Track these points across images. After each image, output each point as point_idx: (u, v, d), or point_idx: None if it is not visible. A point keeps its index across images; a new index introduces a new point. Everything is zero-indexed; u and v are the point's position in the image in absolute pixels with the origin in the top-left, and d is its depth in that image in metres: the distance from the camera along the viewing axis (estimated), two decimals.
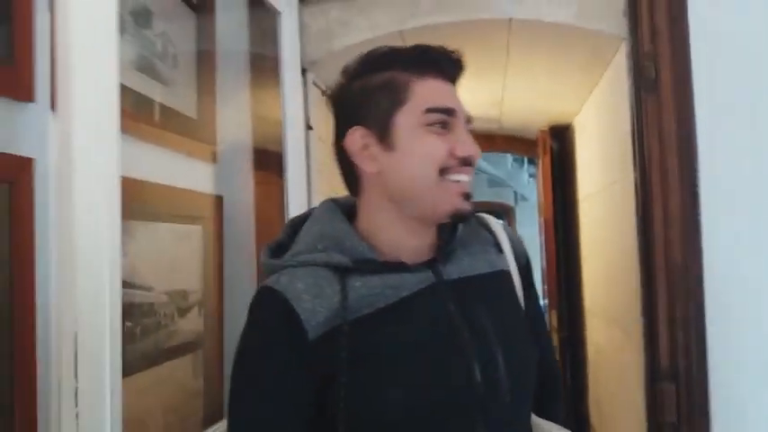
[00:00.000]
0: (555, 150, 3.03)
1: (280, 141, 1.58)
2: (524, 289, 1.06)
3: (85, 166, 0.89)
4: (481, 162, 5.54)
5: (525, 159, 8.58)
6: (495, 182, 9.41)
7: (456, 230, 1.00)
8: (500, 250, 1.05)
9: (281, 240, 1.00)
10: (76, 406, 0.87)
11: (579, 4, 1.57)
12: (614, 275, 2.05)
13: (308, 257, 0.93)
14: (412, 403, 0.85)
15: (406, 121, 0.92)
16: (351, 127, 0.94)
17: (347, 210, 0.99)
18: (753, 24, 1.46)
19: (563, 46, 1.77)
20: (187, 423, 1.38)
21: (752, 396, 1.45)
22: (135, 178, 1.20)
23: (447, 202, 0.92)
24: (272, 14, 1.55)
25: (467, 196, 0.92)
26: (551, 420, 1.09)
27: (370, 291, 0.90)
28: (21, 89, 0.93)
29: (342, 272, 0.90)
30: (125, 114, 1.05)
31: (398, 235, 0.95)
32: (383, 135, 0.93)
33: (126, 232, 1.15)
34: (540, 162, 3.04)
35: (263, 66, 1.61)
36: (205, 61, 1.54)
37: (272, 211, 1.60)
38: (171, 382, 1.33)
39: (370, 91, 0.94)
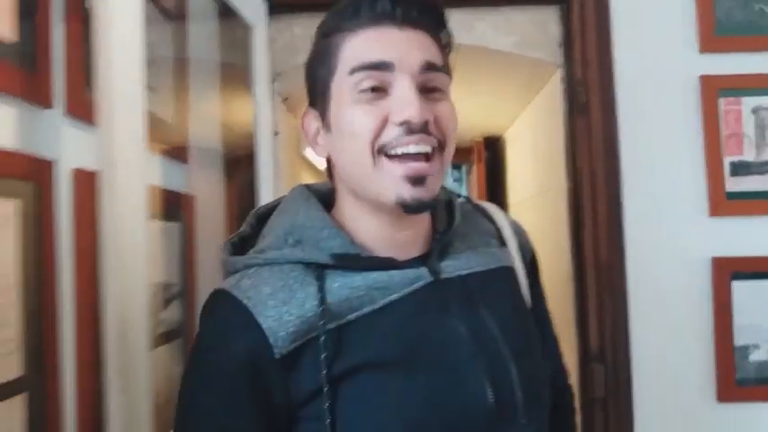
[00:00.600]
0: (487, 160, 3.26)
1: (248, 145, 1.69)
2: (530, 288, 0.89)
3: (124, 175, 0.98)
4: None
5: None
6: None
7: (453, 219, 0.84)
8: (502, 243, 0.88)
9: (245, 233, 0.85)
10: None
11: (521, 34, 1.77)
12: (547, 272, 2.26)
13: (277, 254, 0.77)
14: (408, 430, 0.70)
15: (337, 91, 0.75)
16: (307, 108, 0.83)
17: (323, 197, 0.84)
18: (666, 59, 1.71)
19: (504, 70, 1.97)
20: (170, 405, 1.46)
21: (668, 373, 1.67)
22: None
23: (388, 188, 0.73)
24: (244, 28, 1.66)
25: (416, 180, 0.72)
26: None
27: (352, 293, 0.74)
28: (41, 96, 1.01)
29: (318, 271, 0.75)
30: None
31: (375, 227, 0.78)
32: (324, 114, 0.78)
33: None
34: (475, 169, 3.26)
35: (233, 74, 1.71)
36: (179, 68, 1.63)
37: (243, 211, 1.70)
38: (160, 367, 1.41)
39: (312, 63, 0.80)
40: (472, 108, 2.67)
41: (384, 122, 0.72)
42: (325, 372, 0.70)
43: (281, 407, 0.72)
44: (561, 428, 0.92)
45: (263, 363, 0.71)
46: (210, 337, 0.75)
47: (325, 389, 0.70)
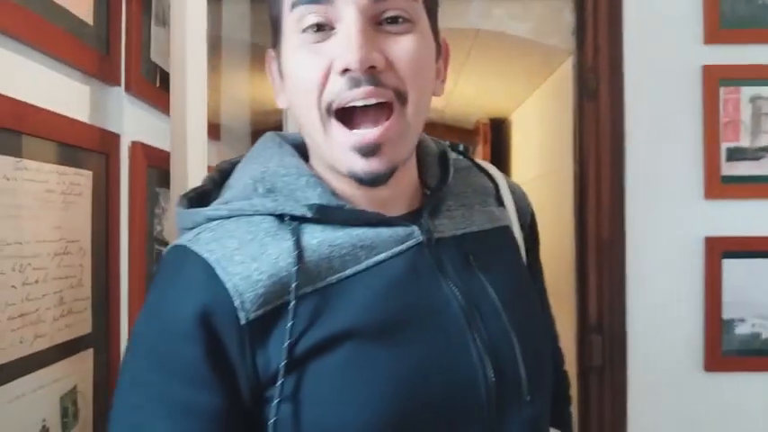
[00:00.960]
0: (492, 140, 3.36)
1: (277, 122, 1.77)
2: (528, 254, 0.80)
3: (194, 154, 1.07)
4: None
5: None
6: None
7: (447, 173, 0.73)
8: (500, 203, 0.78)
9: (205, 188, 0.72)
10: None
11: (537, 21, 1.86)
12: (552, 248, 2.37)
13: (245, 204, 0.64)
14: (395, 409, 0.59)
15: (285, 29, 0.64)
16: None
17: (298, 147, 0.70)
18: (673, 49, 1.80)
19: (518, 55, 2.06)
20: None
21: (660, 344, 1.79)
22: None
23: (339, 159, 0.63)
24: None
25: (368, 150, 0.61)
26: (558, 425, 0.84)
27: (333, 251, 0.62)
28: (111, 75, 1.09)
29: (293, 225, 0.63)
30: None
31: (348, 184, 0.65)
32: (278, 56, 0.67)
33: (165, 198, 1.32)
34: (480, 149, 3.37)
35: (263, 54, 1.79)
36: (213, 46, 1.70)
37: None
38: None
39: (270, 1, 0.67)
40: (480, 91, 2.76)
41: (328, 72, 0.60)
42: (288, 342, 0.58)
43: (247, 382, 0.59)
44: (555, 419, 0.80)
45: (223, 326, 0.58)
46: (158, 297, 0.62)
47: (283, 362, 0.57)
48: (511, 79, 2.47)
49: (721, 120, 1.79)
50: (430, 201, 0.70)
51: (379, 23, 0.61)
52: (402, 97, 0.62)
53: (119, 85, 1.11)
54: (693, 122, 1.79)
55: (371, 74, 0.59)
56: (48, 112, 0.89)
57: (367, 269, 0.63)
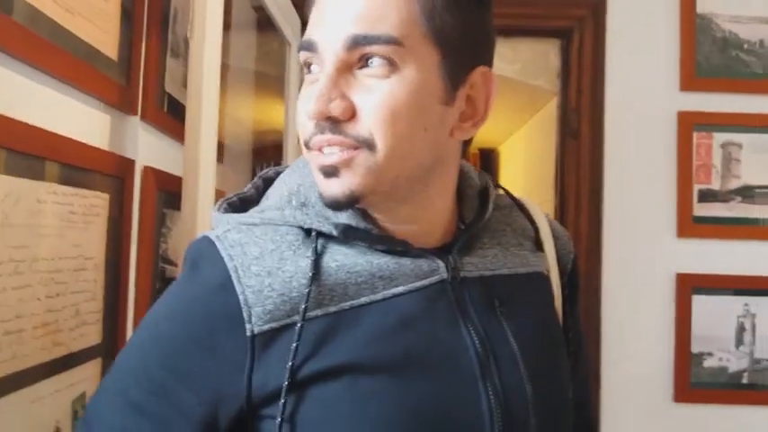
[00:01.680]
0: (481, 168, 3.46)
1: (277, 146, 1.87)
2: (565, 303, 0.76)
3: (204, 180, 1.16)
4: None
5: None
6: None
7: (486, 209, 0.71)
8: (540, 248, 0.75)
9: (248, 195, 0.73)
10: None
11: (524, 63, 1.98)
12: None
13: (276, 214, 0.65)
14: None
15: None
16: None
17: None
18: (651, 95, 1.92)
19: (506, 93, 2.17)
20: None
21: (632, 374, 1.89)
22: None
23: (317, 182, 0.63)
24: (281, 43, 1.84)
25: (326, 171, 0.61)
26: None
27: (350, 278, 0.62)
28: (130, 105, 1.18)
29: (318, 242, 0.63)
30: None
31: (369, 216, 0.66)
32: None
33: (170, 219, 1.41)
34: None
35: (266, 82, 1.89)
36: (221, 73, 1.80)
37: None
38: None
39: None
40: None
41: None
42: (291, 363, 0.58)
43: (236, 397, 0.60)
44: None
45: (227, 337, 0.60)
46: (181, 289, 0.65)
47: (285, 383, 0.58)
48: (500, 113, 2.58)
49: (694, 163, 1.91)
50: (462, 236, 0.68)
51: (360, 67, 0.60)
52: (369, 144, 0.60)
53: (136, 114, 1.20)
54: (668, 164, 1.91)
55: (332, 123, 0.59)
56: (74, 141, 0.97)
57: (384, 300, 0.62)
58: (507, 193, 0.80)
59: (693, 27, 1.91)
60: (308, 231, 0.64)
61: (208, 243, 0.64)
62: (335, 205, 0.62)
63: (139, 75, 1.20)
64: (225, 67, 1.79)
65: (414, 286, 0.63)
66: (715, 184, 1.91)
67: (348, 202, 0.61)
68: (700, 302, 1.89)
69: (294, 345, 0.59)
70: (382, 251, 0.64)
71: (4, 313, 0.81)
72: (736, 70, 1.92)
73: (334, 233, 0.63)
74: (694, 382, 1.88)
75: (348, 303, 0.61)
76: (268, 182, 0.73)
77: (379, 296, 0.62)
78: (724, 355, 1.89)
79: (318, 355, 0.60)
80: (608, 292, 1.90)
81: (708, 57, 1.92)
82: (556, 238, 0.79)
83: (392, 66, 0.60)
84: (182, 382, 0.60)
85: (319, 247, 0.63)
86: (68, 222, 0.97)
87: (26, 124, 0.85)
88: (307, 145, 0.62)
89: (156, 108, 1.28)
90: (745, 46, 1.92)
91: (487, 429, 0.61)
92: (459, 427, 0.61)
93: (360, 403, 0.59)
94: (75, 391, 1.01)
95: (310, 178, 0.66)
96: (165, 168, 1.33)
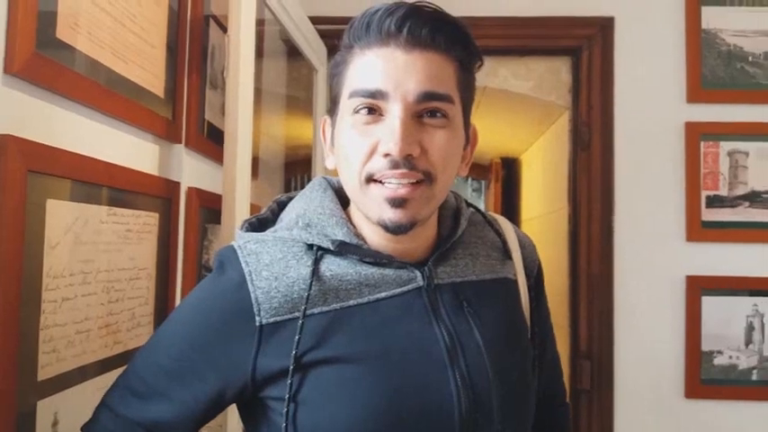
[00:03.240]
0: (504, 178, 3.59)
1: (307, 162, 2.03)
2: (532, 303, 0.89)
3: (240, 197, 1.32)
4: None
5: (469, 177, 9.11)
6: None
7: (457, 225, 0.84)
8: (508, 256, 0.88)
9: (264, 216, 0.88)
10: None
11: (537, 80, 2.10)
12: (549, 281, 2.58)
13: (286, 234, 0.79)
14: (375, 420, 0.71)
15: (341, 110, 0.77)
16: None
17: (341, 192, 0.85)
18: (658, 107, 2.02)
19: (522, 108, 2.30)
20: None
21: (644, 371, 1.99)
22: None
23: (372, 209, 0.74)
24: (309, 68, 2.00)
25: (397, 203, 0.72)
26: None
27: (341, 283, 0.75)
28: (175, 135, 1.35)
29: (317, 254, 0.77)
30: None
31: (375, 233, 0.79)
32: (333, 128, 0.80)
33: (212, 232, 1.58)
34: (492, 188, 3.60)
35: (296, 104, 2.06)
36: (255, 97, 1.97)
37: None
38: None
39: (330, 74, 0.81)
40: (492, 134, 3.00)
41: (373, 151, 0.73)
42: (294, 352, 0.72)
43: (242, 377, 0.75)
44: None
45: (240, 327, 0.74)
46: (209, 286, 0.80)
47: (291, 367, 0.72)
48: (517, 127, 2.70)
49: (702, 170, 2.00)
50: (437, 250, 0.81)
51: (420, 116, 0.74)
52: (431, 178, 0.74)
53: (180, 142, 1.37)
54: (676, 173, 2.00)
55: (407, 159, 0.71)
56: (128, 169, 1.15)
57: (368, 303, 0.75)
58: (478, 211, 0.93)
59: (699, 41, 2.00)
60: (309, 245, 0.79)
61: (232, 250, 0.81)
62: (399, 230, 0.74)
63: (183, 108, 1.37)
64: (259, 92, 1.96)
65: (394, 292, 0.77)
66: (722, 191, 1.99)
67: (410, 227, 0.74)
68: (709, 303, 1.97)
69: (297, 336, 0.73)
70: (370, 263, 0.78)
71: (76, 316, 0.99)
72: (741, 81, 2.00)
73: (332, 247, 0.77)
74: (705, 378, 1.97)
75: (339, 305, 0.75)
76: (281, 205, 0.89)
77: (364, 300, 0.76)
78: (734, 353, 1.97)
79: (316, 346, 0.74)
80: (620, 295, 2.00)
81: (713, 69, 2.01)
82: (522, 247, 0.91)
83: (446, 118, 0.75)
84: (201, 356, 0.76)
85: (318, 257, 0.77)
86: (125, 239, 1.14)
87: (87, 157, 1.02)
88: (371, 178, 0.73)
89: (198, 136, 1.45)
90: (750, 58, 2.00)
91: (455, 407, 0.73)
92: (431, 404, 0.73)
93: (348, 387, 0.72)
94: None
95: (314, 204, 0.82)
96: (206, 188, 1.50)
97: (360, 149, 0.73)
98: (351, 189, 0.78)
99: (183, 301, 0.83)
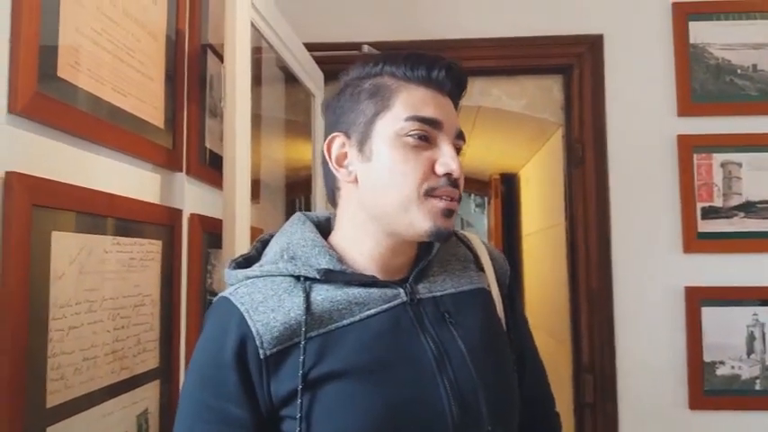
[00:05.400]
0: (503, 193, 3.63)
1: (306, 185, 2.07)
2: (507, 310, 0.97)
3: (240, 220, 1.35)
4: None
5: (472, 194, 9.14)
6: None
7: (432, 246, 0.92)
8: (480, 268, 0.96)
9: (250, 255, 0.94)
10: None
11: (529, 98, 2.13)
12: (550, 296, 2.60)
13: (272, 268, 0.86)
14: (378, 427, 0.76)
15: (386, 129, 0.84)
16: (334, 133, 0.89)
17: (320, 224, 0.95)
18: (650, 121, 2.05)
19: (516, 125, 2.33)
20: None
21: (647, 383, 2.00)
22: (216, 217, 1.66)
23: (428, 219, 0.82)
24: (306, 94, 2.05)
25: (449, 213, 0.83)
26: None
27: (333, 305, 0.82)
28: (176, 164, 1.39)
29: (306, 284, 0.83)
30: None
31: (374, 250, 0.87)
32: (362, 143, 0.86)
33: (214, 257, 1.61)
34: (492, 204, 3.63)
35: (295, 128, 2.10)
36: (255, 122, 2.01)
37: None
38: None
39: (358, 97, 0.87)
40: (489, 151, 3.05)
41: (430, 170, 0.82)
42: (301, 372, 0.77)
43: (264, 403, 0.79)
44: None
45: (250, 359, 0.79)
46: (209, 334, 0.83)
47: (300, 387, 0.77)
48: (513, 144, 2.74)
49: (696, 182, 2.02)
50: (417, 267, 0.90)
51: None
52: (460, 197, 0.87)
53: (181, 171, 1.41)
54: (671, 185, 2.03)
55: (456, 180, 0.85)
56: (130, 199, 1.18)
57: (360, 321, 0.82)
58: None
59: (687, 56, 2.04)
60: (296, 277, 0.85)
61: (224, 299, 0.85)
62: (448, 236, 0.84)
63: (183, 137, 1.41)
64: (258, 117, 2.00)
65: (382, 308, 0.84)
66: (717, 202, 2.02)
67: (448, 238, 0.85)
68: (709, 314, 1.99)
69: (302, 357, 0.79)
70: (355, 285, 0.85)
71: (82, 343, 1.02)
72: (730, 94, 2.03)
73: (318, 276, 0.84)
74: (708, 389, 1.97)
75: (334, 325, 0.81)
76: (265, 243, 0.95)
77: (356, 318, 0.82)
78: (736, 364, 1.98)
79: (318, 364, 0.79)
80: (620, 308, 2.02)
81: (702, 83, 2.04)
82: (493, 260, 1.00)
83: (461, 154, 0.88)
84: (229, 401, 0.79)
85: (307, 287, 0.84)
86: (129, 267, 1.17)
87: (90, 189, 1.06)
88: (430, 192, 0.83)
89: (199, 163, 1.49)
90: (739, 71, 2.03)
91: (447, 412, 0.79)
92: (426, 412, 0.79)
93: (349, 399, 0.78)
94: (139, 407, 1.21)
95: (296, 237, 0.89)
96: (208, 213, 1.54)
97: (419, 167, 0.82)
98: (396, 201, 0.83)
99: (189, 363, 0.85)
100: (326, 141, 0.90)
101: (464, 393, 0.81)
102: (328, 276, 0.84)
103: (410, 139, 0.82)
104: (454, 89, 0.88)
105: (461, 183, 0.86)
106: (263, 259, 0.90)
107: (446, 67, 0.86)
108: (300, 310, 0.81)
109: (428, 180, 0.82)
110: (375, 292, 0.85)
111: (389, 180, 0.83)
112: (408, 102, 0.84)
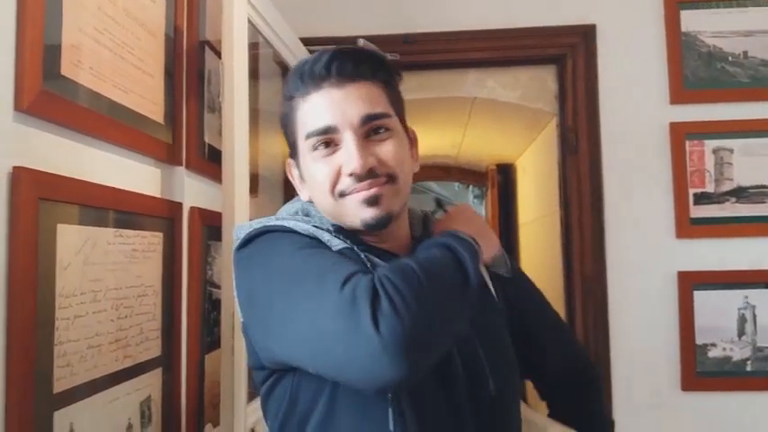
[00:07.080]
0: (500, 183, 3.66)
1: None
2: (508, 284, 1.03)
3: (239, 213, 1.39)
4: (432, 184, 6.12)
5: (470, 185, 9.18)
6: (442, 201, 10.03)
7: (428, 229, 0.99)
8: None
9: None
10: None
11: (523, 89, 2.17)
12: (545, 282, 2.64)
13: (289, 220, 0.90)
14: None
15: (301, 148, 0.90)
16: (288, 159, 0.96)
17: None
18: (642, 109, 2.09)
19: (511, 116, 2.37)
20: None
21: (640, 366, 2.05)
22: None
23: (351, 214, 0.87)
24: None
25: (373, 200, 0.85)
26: (593, 424, 1.05)
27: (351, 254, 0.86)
28: (176, 158, 1.43)
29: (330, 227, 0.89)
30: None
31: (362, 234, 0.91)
32: (298, 165, 0.94)
33: (214, 249, 1.65)
34: (489, 194, 3.67)
35: None
36: (252, 116, 2.04)
37: None
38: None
39: (283, 123, 0.94)
40: (485, 141, 3.08)
41: (338, 174, 0.86)
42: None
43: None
44: (584, 405, 1.06)
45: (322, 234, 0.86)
46: (287, 236, 0.86)
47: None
48: (509, 134, 2.78)
49: (688, 169, 2.06)
50: (415, 245, 0.93)
51: (368, 136, 0.88)
52: (393, 177, 0.88)
53: (181, 165, 1.44)
54: (663, 172, 2.06)
55: (369, 171, 0.85)
56: (134, 193, 1.22)
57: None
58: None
59: (679, 44, 2.07)
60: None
61: (279, 226, 0.89)
62: (380, 223, 0.87)
63: (182, 132, 1.45)
64: (256, 112, 2.03)
65: None
66: (709, 188, 2.05)
67: (388, 220, 0.87)
68: (701, 297, 2.02)
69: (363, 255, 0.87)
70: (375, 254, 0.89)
71: (87, 332, 1.06)
72: (722, 81, 2.06)
73: (332, 230, 0.89)
74: (700, 371, 2.02)
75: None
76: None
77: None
78: (727, 346, 2.02)
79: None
80: (614, 293, 2.06)
81: (694, 70, 2.07)
82: None
83: (389, 130, 0.89)
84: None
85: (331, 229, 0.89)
86: (132, 258, 1.21)
87: (94, 184, 1.10)
88: (342, 194, 0.86)
89: (198, 157, 1.52)
90: (730, 58, 2.06)
91: (458, 372, 0.86)
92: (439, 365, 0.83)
93: None
94: (142, 394, 1.25)
95: (304, 204, 0.95)
96: (207, 206, 1.57)
97: (327, 175, 0.86)
98: (328, 209, 0.89)
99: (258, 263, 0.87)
100: (287, 168, 0.97)
101: (469, 360, 0.87)
102: (339, 233, 0.88)
103: (317, 153, 0.87)
104: (356, 71, 0.87)
105: (391, 165, 0.87)
106: (279, 214, 0.95)
107: (328, 58, 0.86)
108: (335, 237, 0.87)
109: (338, 183, 0.86)
110: (388, 258, 0.88)
111: (316, 193, 0.90)
112: (301, 120, 0.88)
